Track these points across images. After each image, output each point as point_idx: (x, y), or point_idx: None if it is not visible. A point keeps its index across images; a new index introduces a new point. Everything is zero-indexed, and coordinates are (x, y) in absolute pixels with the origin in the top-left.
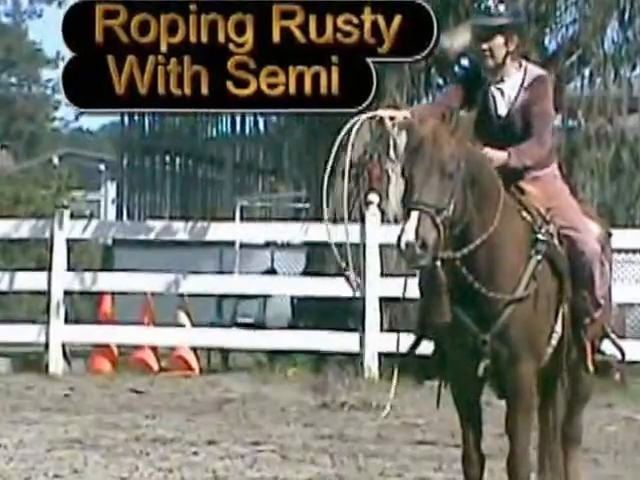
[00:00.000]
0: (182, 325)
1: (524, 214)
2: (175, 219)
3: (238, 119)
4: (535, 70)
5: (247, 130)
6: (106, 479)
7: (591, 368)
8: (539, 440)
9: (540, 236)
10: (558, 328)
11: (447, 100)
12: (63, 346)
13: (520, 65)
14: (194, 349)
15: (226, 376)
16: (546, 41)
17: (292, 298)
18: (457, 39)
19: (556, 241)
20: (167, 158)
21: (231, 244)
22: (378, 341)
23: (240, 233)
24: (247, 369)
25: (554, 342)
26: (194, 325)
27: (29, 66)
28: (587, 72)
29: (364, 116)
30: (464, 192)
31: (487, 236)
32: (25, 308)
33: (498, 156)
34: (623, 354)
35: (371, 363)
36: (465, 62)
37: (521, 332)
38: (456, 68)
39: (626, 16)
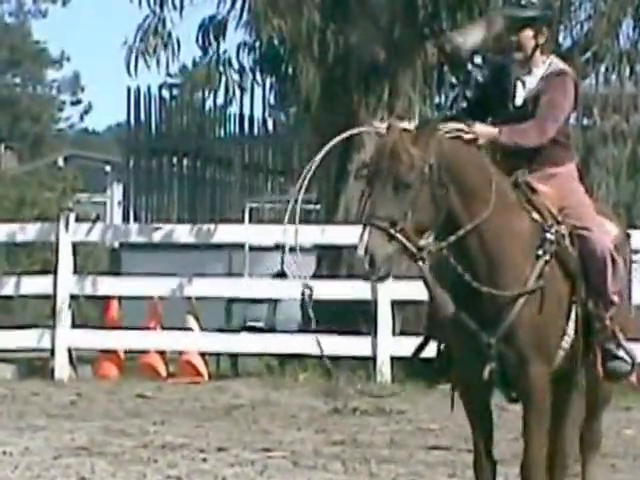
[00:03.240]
0: (190, 329)
1: (534, 214)
2: (183, 221)
3: (246, 119)
4: (559, 65)
5: (255, 130)
6: None
7: (601, 373)
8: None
9: (549, 236)
10: (570, 331)
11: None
12: (69, 351)
13: (545, 59)
14: (203, 354)
15: (235, 381)
16: (560, 38)
17: (302, 302)
18: (470, 36)
19: (567, 242)
20: (174, 159)
21: (240, 247)
22: (391, 345)
23: (249, 235)
24: (257, 374)
25: (566, 345)
26: (203, 329)
27: (33, 66)
28: (602, 69)
29: (356, 130)
30: (436, 194)
31: (474, 227)
32: (30, 313)
33: (486, 132)
34: (633, 359)
35: (383, 367)
36: (478, 60)
37: (528, 334)
38: (469, 66)
39: None
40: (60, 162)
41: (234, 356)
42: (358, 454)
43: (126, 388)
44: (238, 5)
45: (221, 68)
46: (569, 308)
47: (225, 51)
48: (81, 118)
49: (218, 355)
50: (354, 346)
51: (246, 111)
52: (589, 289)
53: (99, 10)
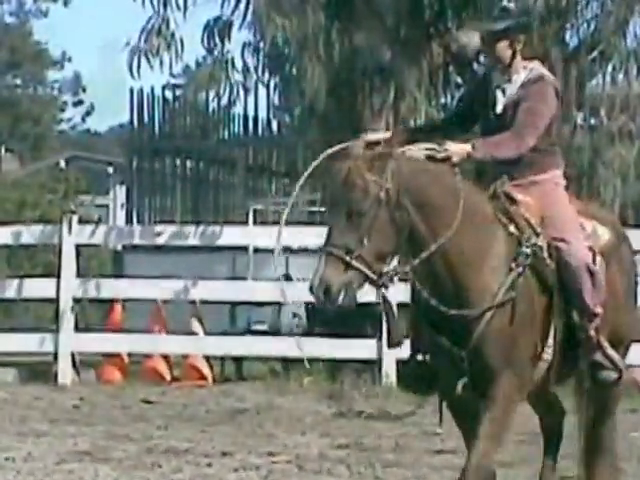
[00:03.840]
0: (195, 333)
1: (510, 227)
2: (186, 223)
3: (250, 120)
4: (539, 70)
5: (260, 131)
6: None
7: (589, 383)
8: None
9: (524, 249)
10: (551, 342)
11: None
12: (72, 355)
13: (527, 65)
14: (207, 358)
15: (240, 385)
16: (567, 37)
17: (307, 304)
18: (476, 36)
19: (545, 253)
20: (177, 161)
21: (244, 249)
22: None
23: (253, 237)
24: (261, 378)
25: (548, 356)
26: (207, 333)
27: (34, 67)
28: (609, 68)
29: (332, 150)
30: (396, 217)
31: (439, 247)
32: (33, 316)
33: (459, 149)
34: (619, 367)
35: (389, 370)
36: (483, 59)
37: (496, 345)
38: (475, 66)
39: None
40: (62, 164)
41: (239, 360)
42: (363, 458)
43: (130, 392)
44: (242, 5)
45: (225, 68)
46: (549, 320)
47: (229, 51)
48: (83, 119)
49: (222, 359)
50: (359, 349)
51: (250, 112)
52: (571, 301)
53: (100, 10)
